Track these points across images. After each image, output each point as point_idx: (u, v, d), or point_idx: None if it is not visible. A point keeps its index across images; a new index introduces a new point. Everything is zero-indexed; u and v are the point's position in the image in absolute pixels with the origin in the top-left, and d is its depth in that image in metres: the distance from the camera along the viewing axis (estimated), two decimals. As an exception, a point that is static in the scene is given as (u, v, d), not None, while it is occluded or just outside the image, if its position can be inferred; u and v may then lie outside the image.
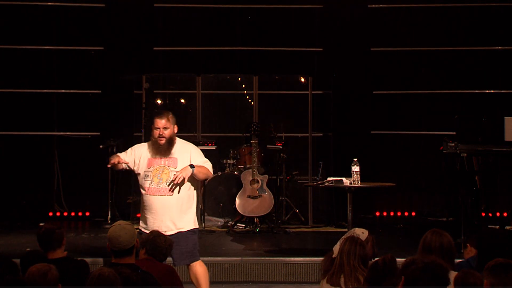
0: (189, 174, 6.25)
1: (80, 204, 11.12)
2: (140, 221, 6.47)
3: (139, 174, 6.39)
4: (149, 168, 6.32)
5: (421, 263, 3.62)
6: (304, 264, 7.80)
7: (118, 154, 6.49)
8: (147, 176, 6.32)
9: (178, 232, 6.32)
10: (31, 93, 11.15)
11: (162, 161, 6.33)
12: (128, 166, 6.41)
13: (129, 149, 6.51)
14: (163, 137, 6.31)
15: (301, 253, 8.34)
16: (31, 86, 11.16)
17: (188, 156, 6.37)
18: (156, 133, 6.32)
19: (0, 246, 8.58)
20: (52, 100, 11.18)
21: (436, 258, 3.92)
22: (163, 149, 6.32)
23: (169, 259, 6.37)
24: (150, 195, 6.31)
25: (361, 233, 5.21)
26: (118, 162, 6.34)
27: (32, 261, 4.57)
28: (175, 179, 6.21)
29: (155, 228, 6.10)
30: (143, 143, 6.59)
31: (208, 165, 6.46)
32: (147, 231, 5.91)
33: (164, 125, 6.31)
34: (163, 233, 6.01)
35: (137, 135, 10.73)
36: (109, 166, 6.44)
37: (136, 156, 6.38)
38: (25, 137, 11.12)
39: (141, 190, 6.41)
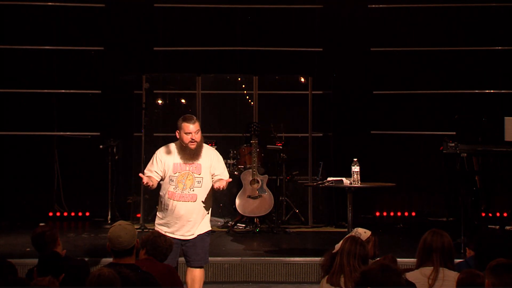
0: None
1: (80, 204, 11.12)
2: (157, 224, 6.44)
3: (165, 177, 6.41)
4: (174, 174, 6.33)
5: (376, 266, 3.67)
6: (304, 264, 7.80)
7: (149, 170, 6.39)
8: (172, 180, 6.34)
9: (197, 235, 6.41)
10: (31, 93, 11.15)
11: (187, 167, 6.33)
12: (161, 178, 6.42)
13: (154, 159, 6.43)
14: (195, 141, 6.32)
15: (301, 253, 8.35)
16: (31, 86, 11.16)
17: (209, 163, 6.41)
18: (188, 138, 6.30)
19: (0, 246, 8.60)
20: (52, 100, 11.18)
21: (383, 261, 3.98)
22: (194, 154, 6.33)
23: (182, 259, 6.45)
24: (173, 200, 6.33)
25: (363, 232, 5.22)
26: (151, 184, 6.32)
27: (48, 261, 4.56)
28: (221, 186, 6.31)
29: (176, 232, 6.29)
30: (163, 147, 6.48)
31: (227, 175, 6.53)
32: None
33: (195, 130, 6.31)
34: (184, 237, 6.29)
35: (137, 135, 10.72)
36: (145, 182, 6.35)
37: (165, 165, 6.37)
38: (25, 137, 11.11)
39: (163, 192, 6.40)
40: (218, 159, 6.51)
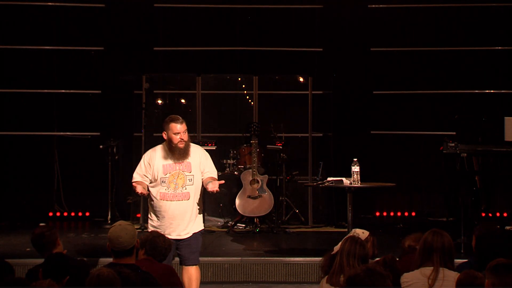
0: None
1: (80, 204, 11.12)
2: (151, 226, 6.44)
3: (155, 180, 6.43)
4: (165, 175, 6.38)
5: (362, 270, 3.69)
6: (304, 264, 7.80)
7: (138, 174, 6.43)
8: (163, 182, 6.38)
9: (192, 234, 6.46)
10: (31, 93, 11.15)
11: (177, 167, 6.40)
12: (151, 182, 6.44)
13: (141, 163, 6.49)
14: (184, 140, 6.40)
15: (301, 253, 8.34)
16: (31, 86, 11.16)
17: (199, 160, 6.49)
18: (177, 138, 6.37)
19: (0, 246, 8.60)
20: (52, 100, 11.18)
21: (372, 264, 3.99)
22: (183, 153, 6.40)
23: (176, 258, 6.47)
24: (166, 201, 6.38)
25: (361, 233, 5.22)
26: (146, 193, 6.38)
27: (54, 263, 4.57)
28: (214, 189, 6.38)
29: (172, 232, 6.32)
30: (150, 151, 6.56)
31: (215, 171, 6.64)
32: None
33: (183, 129, 6.40)
34: (181, 236, 6.34)
35: (137, 135, 10.72)
36: (139, 192, 6.38)
37: (153, 168, 6.41)
38: (25, 137, 11.11)
39: (154, 195, 6.42)
40: (206, 156, 6.59)
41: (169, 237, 6.21)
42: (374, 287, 3.59)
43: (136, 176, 6.46)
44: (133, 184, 6.44)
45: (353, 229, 5.34)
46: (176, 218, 6.37)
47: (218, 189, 6.43)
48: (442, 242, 4.71)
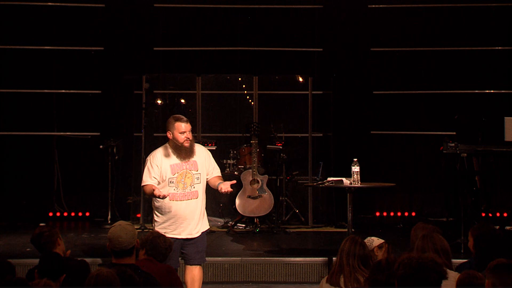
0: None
1: (80, 204, 11.12)
2: (159, 227, 6.38)
3: (162, 181, 6.42)
4: (173, 175, 6.39)
5: (415, 263, 3.64)
6: (304, 264, 7.81)
7: (148, 177, 6.37)
8: (172, 182, 6.38)
9: (201, 233, 6.49)
10: (31, 93, 11.15)
11: (184, 166, 6.42)
12: (158, 183, 6.43)
13: (149, 165, 6.41)
14: (190, 139, 6.44)
15: (301, 253, 8.35)
16: (31, 86, 11.16)
17: (204, 158, 6.54)
18: (183, 137, 6.39)
19: (0, 246, 8.60)
20: (52, 100, 11.18)
21: (431, 254, 3.94)
22: (189, 152, 6.43)
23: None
24: (175, 201, 6.39)
25: (377, 239, 5.23)
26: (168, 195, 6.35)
27: (48, 263, 4.57)
28: (228, 190, 6.44)
29: (183, 232, 6.36)
30: (154, 153, 6.49)
31: (218, 168, 6.71)
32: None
33: (189, 128, 6.44)
34: (192, 235, 6.36)
35: (137, 135, 10.72)
36: (161, 195, 6.30)
37: (161, 169, 6.40)
38: (25, 137, 11.11)
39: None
40: (209, 154, 6.66)
41: (179, 237, 6.31)
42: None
43: (146, 179, 6.40)
44: (151, 189, 6.31)
45: (368, 237, 5.32)
46: (187, 218, 6.40)
47: (231, 189, 6.48)
48: (433, 243, 4.72)
